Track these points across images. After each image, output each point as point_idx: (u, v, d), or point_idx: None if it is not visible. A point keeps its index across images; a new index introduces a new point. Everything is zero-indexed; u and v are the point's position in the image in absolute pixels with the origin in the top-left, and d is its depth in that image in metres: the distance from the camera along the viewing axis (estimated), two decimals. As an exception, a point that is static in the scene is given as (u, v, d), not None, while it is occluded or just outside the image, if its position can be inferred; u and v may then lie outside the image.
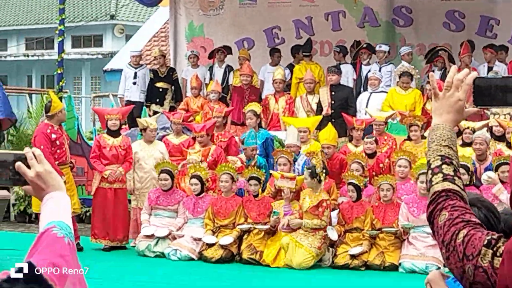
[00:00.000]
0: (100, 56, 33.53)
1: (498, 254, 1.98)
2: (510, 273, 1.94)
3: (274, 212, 10.92)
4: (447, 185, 2.22)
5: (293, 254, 10.46)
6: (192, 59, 15.61)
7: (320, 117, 12.98)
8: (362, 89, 14.34)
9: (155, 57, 16.23)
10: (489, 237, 2.02)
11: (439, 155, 2.27)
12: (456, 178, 2.24)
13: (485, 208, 2.74)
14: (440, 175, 2.24)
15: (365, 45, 14.87)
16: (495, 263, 1.98)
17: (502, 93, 2.26)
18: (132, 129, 13.73)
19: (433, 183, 2.25)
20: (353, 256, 10.48)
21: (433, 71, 14.25)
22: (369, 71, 14.15)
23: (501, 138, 11.85)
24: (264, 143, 12.48)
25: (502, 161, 10.60)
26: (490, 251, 2.00)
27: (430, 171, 2.28)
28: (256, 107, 13.04)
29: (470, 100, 2.37)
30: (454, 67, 2.46)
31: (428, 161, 2.31)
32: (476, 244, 2.03)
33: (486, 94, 2.28)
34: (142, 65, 15.87)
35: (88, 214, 13.29)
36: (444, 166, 2.25)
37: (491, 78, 2.31)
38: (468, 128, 11.53)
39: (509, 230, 2.60)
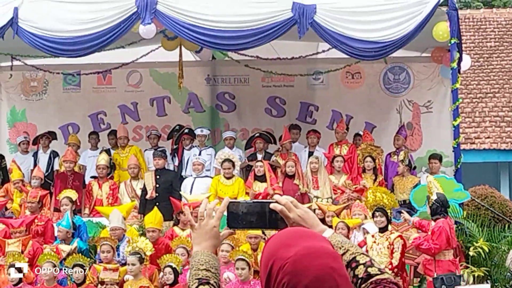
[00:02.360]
0: None
1: None
2: None
3: None
4: None
5: None
6: (23, 145, 15.33)
7: (132, 204, 13.14)
8: (184, 173, 14.42)
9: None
10: None
11: (197, 279, 2.51)
12: None
13: None
14: None
15: (186, 131, 14.99)
16: None
17: (251, 216, 2.57)
18: None
19: None
20: None
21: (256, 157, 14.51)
22: (192, 155, 14.31)
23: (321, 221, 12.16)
24: (79, 228, 12.20)
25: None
26: None
27: None
28: (71, 193, 12.95)
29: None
30: (205, 199, 2.81)
31: (188, 286, 2.54)
32: None
33: (237, 217, 2.58)
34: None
35: None
36: (200, 287, 2.48)
37: (241, 203, 2.61)
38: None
39: None
